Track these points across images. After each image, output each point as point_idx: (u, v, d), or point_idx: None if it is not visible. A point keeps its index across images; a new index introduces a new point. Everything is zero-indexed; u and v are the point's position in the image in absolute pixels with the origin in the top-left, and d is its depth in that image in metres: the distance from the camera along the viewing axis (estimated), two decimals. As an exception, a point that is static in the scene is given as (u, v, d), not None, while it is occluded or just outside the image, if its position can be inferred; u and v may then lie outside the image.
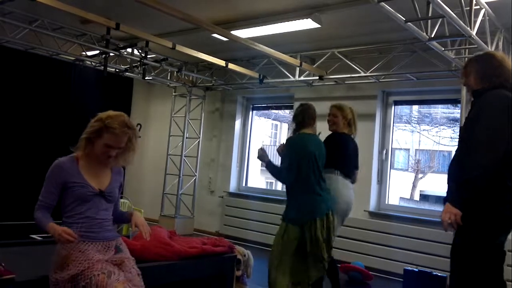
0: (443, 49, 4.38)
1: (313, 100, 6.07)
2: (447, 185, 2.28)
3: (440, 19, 3.88)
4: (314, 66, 6.00)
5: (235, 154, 7.39)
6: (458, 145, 2.33)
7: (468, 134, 2.19)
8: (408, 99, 6.05)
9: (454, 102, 5.54)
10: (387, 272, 5.24)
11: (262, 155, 3.46)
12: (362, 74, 5.61)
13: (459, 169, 2.15)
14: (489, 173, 2.03)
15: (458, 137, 2.50)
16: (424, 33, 3.89)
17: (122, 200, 4.78)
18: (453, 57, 4.56)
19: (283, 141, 3.50)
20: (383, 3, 3.43)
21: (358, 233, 5.48)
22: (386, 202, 5.81)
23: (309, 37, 5.49)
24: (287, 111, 8.42)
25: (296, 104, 6.41)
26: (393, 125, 5.94)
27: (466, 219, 2.05)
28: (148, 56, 6.25)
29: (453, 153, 2.35)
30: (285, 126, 11.00)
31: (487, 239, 2.04)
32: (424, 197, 8.62)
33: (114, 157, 2.22)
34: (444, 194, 2.28)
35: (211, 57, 5.87)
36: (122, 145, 2.20)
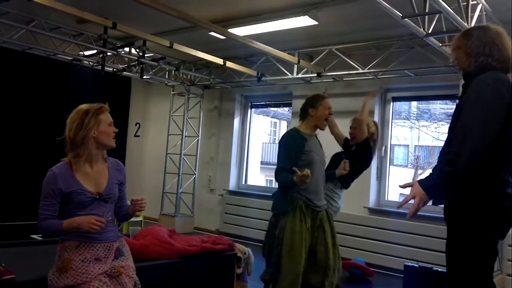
0: (440, 44, 4.39)
1: (312, 97, 6.08)
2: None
3: (437, 15, 3.89)
4: (312, 63, 6.00)
5: (234, 152, 7.39)
6: (448, 135, 2.13)
7: (456, 123, 2.02)
8: (406, 95, 6.05)
9: (453, 97, 5.54)
10: (387, 268, 5.26)
11: None
12: (360, 70, 5.61)
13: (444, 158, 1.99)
14: (472, 165, 1.87)
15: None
16: (422, 29, 3.89)
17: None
18: (451, 52, 4.55)
19: None
20: (380, -1, 3.43)
21: (358, 230, 5.48)
22: (386, 198, 5.82)
23: (306, 34, 5.48)
24: (286, 109, 8.43)
25: (295, 102, 6.48)
26: (391, 122, 5.95)
27: (461, 215, 1.98)
28: (146, 55, 6.24)
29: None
30: (284, 124, 11.00)
31: (484, 234, 1.96)
32: (424, 193, 8.60)
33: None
34: None
35: (208, 55, 5.87)
36: (111, 120, 2.28)
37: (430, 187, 1.98)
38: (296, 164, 2.88)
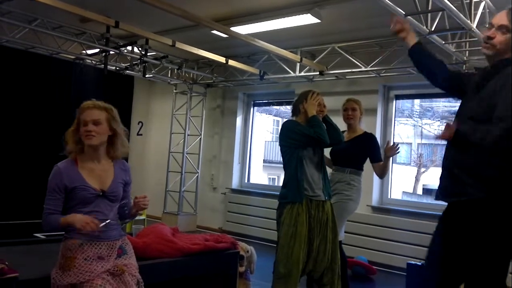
0: (443, 42, 4.37)
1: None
2: (441, 173, 2.16)
3: (440, 12, 3.87)
4: (314, 61, 5.99)
5: (237, 151, 7.39)
6: (463, 120, 2.09)
7: (483, 109, 1.99)
8: (409, 93, 6.03)
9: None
10: (390, 266, 5.25)
11: None
12: (363, 68, 5.59)
13: (474, 130, 1.98)
14: (501, 141, 1.86)
15: (456, 114, 2.26)
16: (424, 27, 3.88)
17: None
18: (454, 50, 4.54)
19: None
20: (382, -3, 3.42)
21: (361, 228, 5.48)
22: (389, 197, 5.81)
23: (309, 32, 5.47)
24: (288, 107, 8.42)
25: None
26: (394, 120, 5.93)
27: (483, 216, 1.96)
28: (148, 54, 6.24)
29: None
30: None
31: (506, 236, 1.94)
32: (427, 191, 8.60)
33: (94, 135, 2.16)
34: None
35: (211, 54, 5.86)
36: (95, 117, 2.17)
37: (461, 134, 1.99)
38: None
